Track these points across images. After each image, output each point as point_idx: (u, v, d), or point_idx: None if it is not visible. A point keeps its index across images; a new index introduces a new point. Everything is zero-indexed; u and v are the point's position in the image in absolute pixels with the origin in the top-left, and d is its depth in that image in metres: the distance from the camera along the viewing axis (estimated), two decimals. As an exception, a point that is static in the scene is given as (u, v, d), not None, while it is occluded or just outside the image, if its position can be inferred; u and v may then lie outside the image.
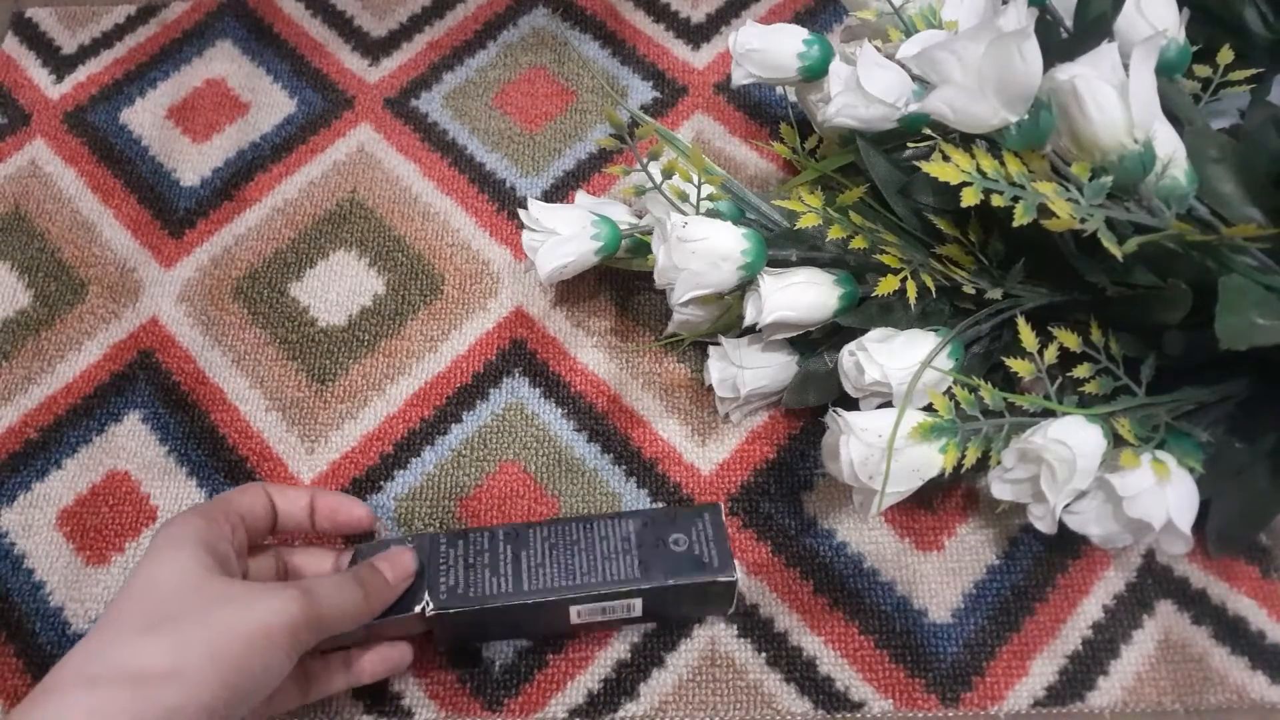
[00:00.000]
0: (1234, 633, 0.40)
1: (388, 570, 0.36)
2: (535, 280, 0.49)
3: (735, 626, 0.41)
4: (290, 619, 0.32)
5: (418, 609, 0.37)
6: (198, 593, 0.31)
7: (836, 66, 0.41)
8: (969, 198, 0.33)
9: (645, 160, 0.40)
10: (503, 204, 0.52)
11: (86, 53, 0.58)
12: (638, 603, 0.38)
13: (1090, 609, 0.41)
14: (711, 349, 0.43)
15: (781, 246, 0.41)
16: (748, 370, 0.42)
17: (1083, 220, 0.32)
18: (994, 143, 0.34)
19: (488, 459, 0.45)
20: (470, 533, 0.39)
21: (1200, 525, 0.35)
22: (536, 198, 0.49)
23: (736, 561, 0.38)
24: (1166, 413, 0.37)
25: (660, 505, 0.43)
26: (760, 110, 0.54)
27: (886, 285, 0.38)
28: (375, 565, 0.36)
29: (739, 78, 0.42)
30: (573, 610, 0.38)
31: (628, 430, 0.45)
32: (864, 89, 0.39)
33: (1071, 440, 0.33)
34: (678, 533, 0.38)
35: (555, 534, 0.38)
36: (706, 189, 0.40)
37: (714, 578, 0.37)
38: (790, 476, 0.44)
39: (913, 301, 0.38)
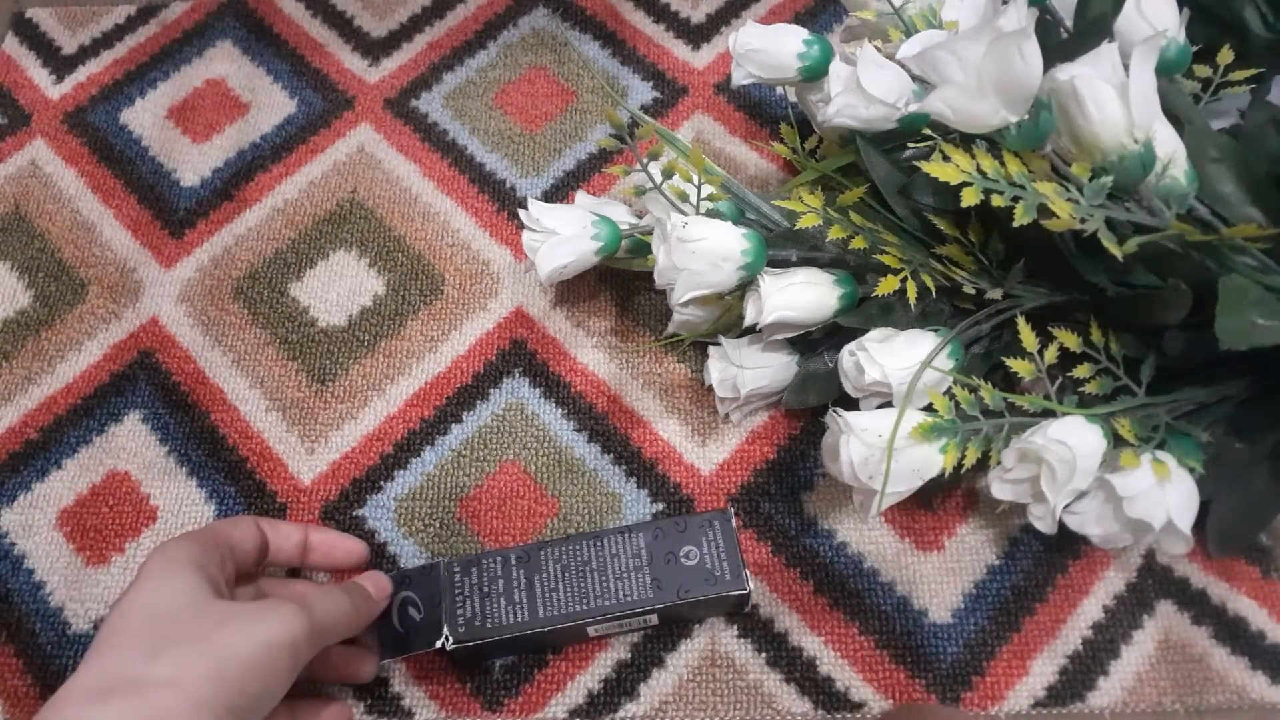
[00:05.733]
0: (1234, 633, 0.40)
1: (370, 586, 0.37)
2: (535, 280, 0.49)
3: (735, 627, 0.41)
4: (291, 634, 0.32)
5: (438, 644, 0.37)
6: (199, 615, 0.31)
7: (836, 66, 0.41)
8: (969, 198, 0.33)
9: (645, 160, 0.40)
10: (503, 204, 0.52)
11: (86, 53, 0.58)
12: (654, 615, 0.39)
13: (1090, 609, 0.41)
14: (711, 349, 0.43)
15: (781, 246, 0.41)
16: (748, 370, 0.42)
17: (1083, 220, 0.32)
18: (994, 143, 0.34)
19: (488, 459, 0.45)
20: (483, 558, 0.39)
21: (1200, 525, 0.35)
22: (536, 198, 0.49)
23: (747, 572, 0.38)
24: (1166, 413, 0.37)
25: (667, 514, 0.43)
26: (760, 110, 0.54)
27: (886, 285, 0.38)
28: (358, 582, 0.37)
29: (739, 78, 0.42)
30: (590, 629, 0.39)
31: (628, 430, 0.45)
32: (864, 89, 0.39)
33: (1071, 440, 0.33)
34: (689, 545, 0.38)
35: (567, 554, 0.38)
36: (706, 189, 0.40)
37: (726, 592, 0.38)
38: (790, 476, 0.44)
39: (913, 301, 0.38)
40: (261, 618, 0.32)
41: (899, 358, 0.37)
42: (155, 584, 0.32)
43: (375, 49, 0.57)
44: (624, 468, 0.45)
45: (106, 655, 0.30)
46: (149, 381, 0.48)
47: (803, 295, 0.38)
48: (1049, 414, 0.35)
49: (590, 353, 0.47)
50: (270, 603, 0.33)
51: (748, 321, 0.39)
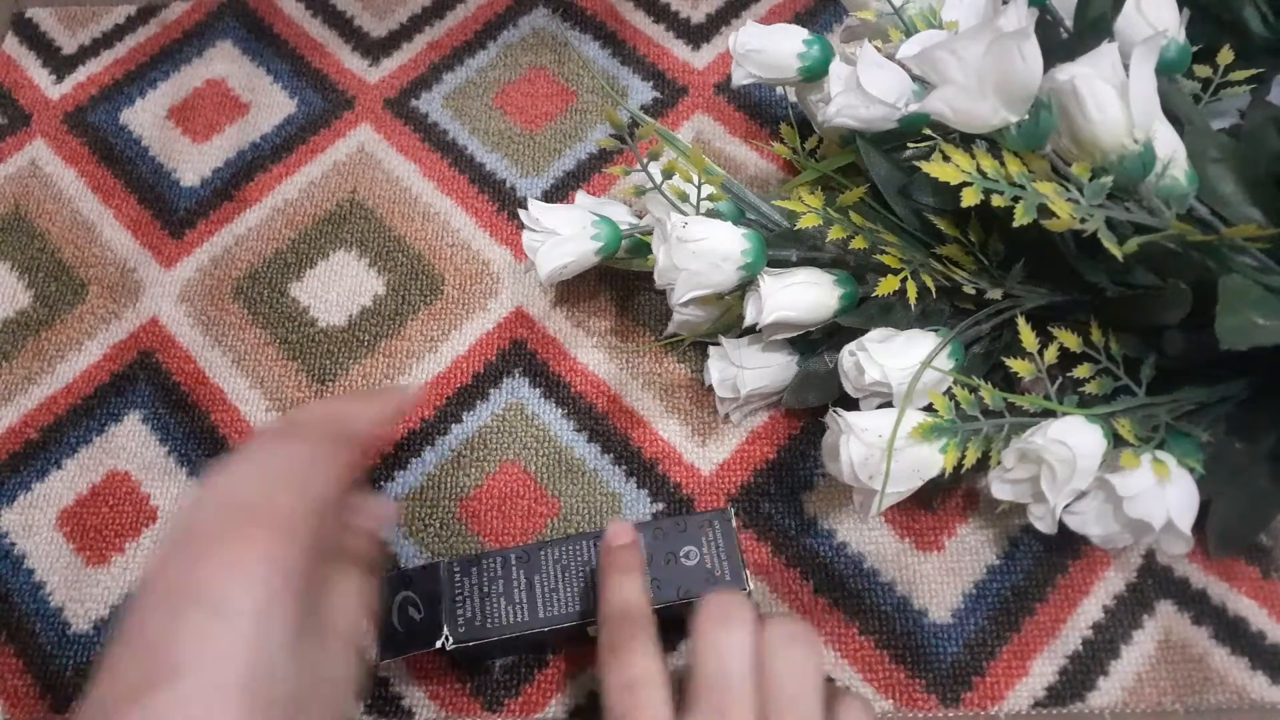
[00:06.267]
0: (1234, 633, 0.40)
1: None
2: (535, 280, 0.49)
3: (735, 626, 0.41)
4: (358, 680, 0.30)
5: (438, 644, 0.37)
6: (296, 669, 0.26)
7: (836, 66, 0.41)
8: (969, 198, 0.33)
9: (645, 160, 0.40)
10: (503, 204, 0.52)
11: (86, 53, 0.58)
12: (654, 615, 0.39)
13: (1090, 609, 0.41)
14: (711, 349, 0.43)
15: (781, 246, 0.41)
16: (748, 370, 0.42)
17: (1083, 220, 0.32)
18: (994, 143, 0.34)
19: (488, 459, 0.45)
20: (483, 558, 0.39)
21: (1200, 525, 0.35)
22: (536, 198, 0.49)
23: (748, 572, 0.38)
24: (1166, 413, 0.37)
25: (667, 514, 0.43)
26: (760, 110, 0.54)
27: (886, 285, 0.38)
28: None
29: (739, 78, 0.42)
30: (590, 629, 0.38)
31: (628, 430, 0.45)
32: (864, 89, 0.39)
33: (1071, 440, 0.33)
34: (689, 545, 0.38)
35: (567, 554, 0.38)
36: (706, 189, 0.40)
37: None
38: (790, 476, 0.44)
39: (913, 301, 0.38)
40: (335, 674, 0.29)
41: (899, 358, 0.37)
42: (257, 635, 0.24)
43: (375, 49, 0.57)
44: (624, 468, 0.45)
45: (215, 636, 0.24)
46: (149, 381, 0.48)
47: (803, 295, 0.38)
48: (1049, 414, 0.35)
49: (590, 353, 0.47)
50: (332, 651, 0.29)
51: (748, 321, 0.39)
